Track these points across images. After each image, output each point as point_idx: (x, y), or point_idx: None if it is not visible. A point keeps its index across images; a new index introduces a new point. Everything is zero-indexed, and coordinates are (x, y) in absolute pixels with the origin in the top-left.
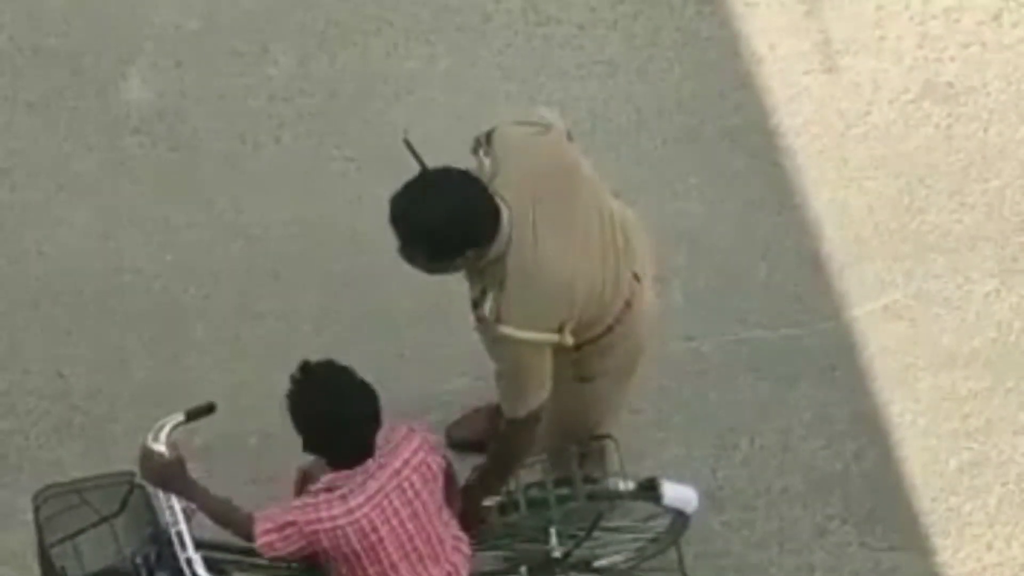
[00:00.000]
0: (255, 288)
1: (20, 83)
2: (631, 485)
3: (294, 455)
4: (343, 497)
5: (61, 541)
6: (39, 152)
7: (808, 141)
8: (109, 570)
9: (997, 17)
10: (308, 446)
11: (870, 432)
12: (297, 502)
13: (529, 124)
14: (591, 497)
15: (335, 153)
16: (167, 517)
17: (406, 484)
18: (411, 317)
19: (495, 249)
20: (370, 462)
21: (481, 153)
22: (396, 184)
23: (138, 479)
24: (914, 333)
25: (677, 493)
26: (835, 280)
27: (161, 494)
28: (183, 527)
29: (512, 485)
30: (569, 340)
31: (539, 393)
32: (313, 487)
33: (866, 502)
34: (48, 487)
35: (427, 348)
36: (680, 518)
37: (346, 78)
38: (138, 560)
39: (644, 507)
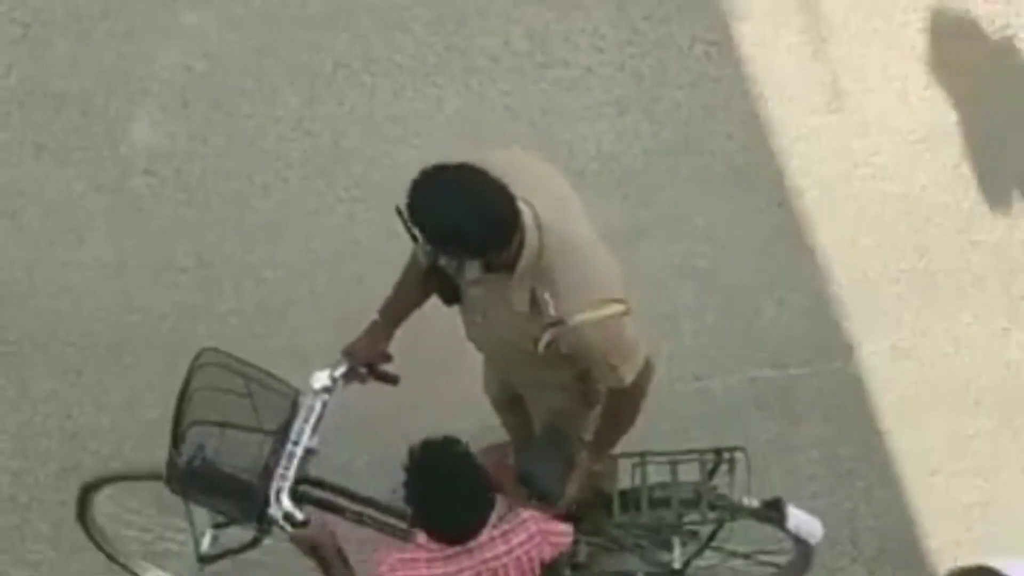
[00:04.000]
0: (263, 328)
1: (29, 125)
2: (755, 502)
3: None
4: (429, 562)
5: (215, 423)
6: (48, 193)
7: (816, 181)
8: (234, 476)
9: (1004, 58)
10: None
11: (879, 471)
12: (392, 557)
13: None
14: (713, 506)
15: (343, 194)
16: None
17: (501, 573)
18: (419, 358)
19: (529, 246)
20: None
21: None
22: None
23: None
24: (922, 372)
25: (802, 520)
26: (843, 319)
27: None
28: (287, 481)
29: (637, 482)
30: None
31: (638, 353)
32: (415, 541)
33: (875, 541)
34: (225, 354)
35: (435, 390)
36: (804, 553)
37: (353, 119)
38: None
39: (768, 536)
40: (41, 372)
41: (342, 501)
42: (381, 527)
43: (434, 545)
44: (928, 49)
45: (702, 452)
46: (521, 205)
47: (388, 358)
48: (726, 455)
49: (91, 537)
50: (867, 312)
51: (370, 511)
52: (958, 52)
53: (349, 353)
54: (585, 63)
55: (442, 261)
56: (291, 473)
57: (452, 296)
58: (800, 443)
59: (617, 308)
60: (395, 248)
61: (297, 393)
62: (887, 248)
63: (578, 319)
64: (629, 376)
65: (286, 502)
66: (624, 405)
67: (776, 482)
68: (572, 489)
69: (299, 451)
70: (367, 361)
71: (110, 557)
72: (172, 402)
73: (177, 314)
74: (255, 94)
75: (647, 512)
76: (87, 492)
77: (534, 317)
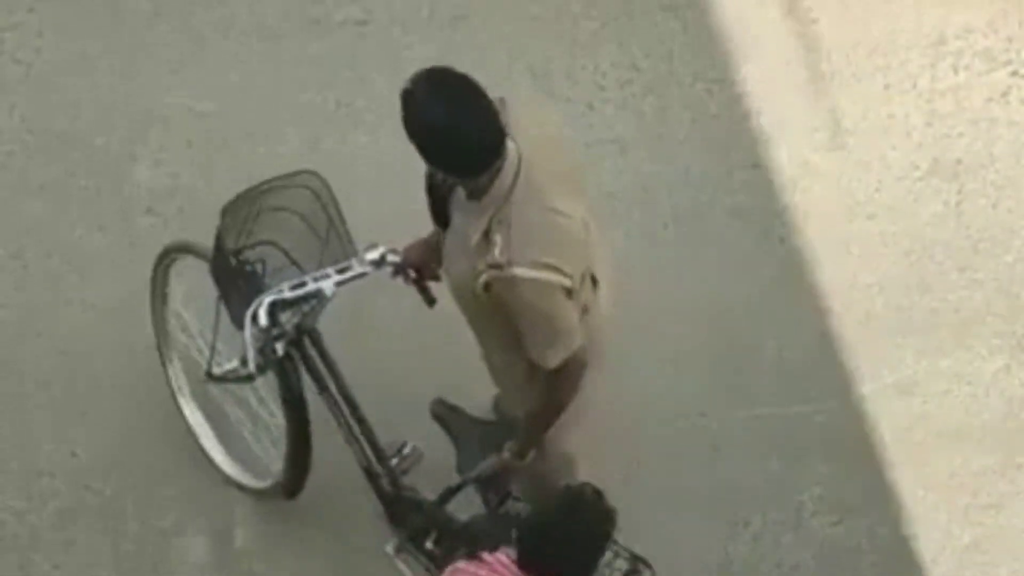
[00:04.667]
0: None
1: (32, 165)
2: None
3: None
4: None
5: (287, 255)
6: (51, 233)
7: (817, 218)
8: (254, 287)
9: (1005, 94)
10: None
11: (881, 508)
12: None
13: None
14: None
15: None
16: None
17: None
18: (426, 394)
19: (501, 180)
20: None
21: None
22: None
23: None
24: (924, 409)
25: None
26: (845, 357)
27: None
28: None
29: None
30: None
31: (570, 337)
32: (485, 559)
33: None
34: (327, 187)
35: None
36: None
37: (357, 157)
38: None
39: None
40: (45, 411)
41: (330, 381)
42: (345, 433)
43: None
44: (929, 86)
45: (623, 548)
46: (510, 143)
47: (438, 277)
48: (641, 566)
49: (153, 305)
50: (869, 349)
51: (349, 413)
52: (959, 89)
53: (408, 249)
54: (586, 100)
55: (439, 178)
56: (287, 291)
57: (445, 220)
58: (802, 481)
59: (559, 278)
60: (400, 281)
61: (358, 256)
62: (888, 286)
63: (516, 271)
64: (554, 357)
65: (262, 309)
66: (548, 392)
67: (778, 518)
68: (483, 468)
69: (311, 283)
70: (416, 265)
71: (157, 336)
72: (175, 440)
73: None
74: (257, 133)
75: None
76: (168, 254)
77: (480, 254)
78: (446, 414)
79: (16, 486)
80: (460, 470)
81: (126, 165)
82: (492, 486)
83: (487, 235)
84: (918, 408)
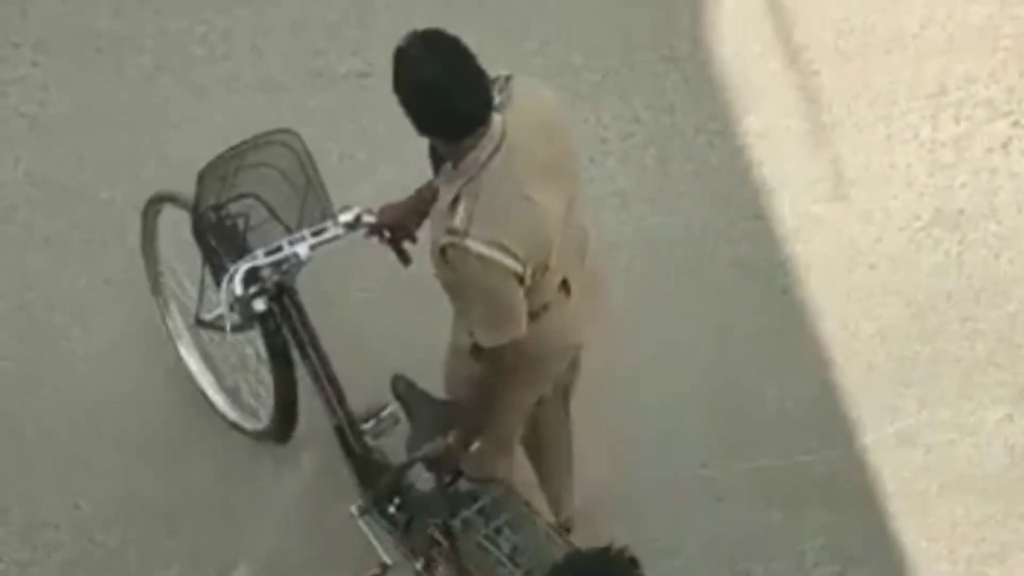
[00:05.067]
0: None
1: (36, 217)
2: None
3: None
4: None
5: (268, 208)
6: (55, 286)
7: (819, 269)
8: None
9: (1006, 145)
10: None
11: (883, 558)
12: None
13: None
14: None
15: (354, 286)
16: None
17: None
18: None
19: (479, 150)
20: None
21: (496, 88)
22: (417, 317)
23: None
24: (926, 459)
25: None
26: (846, 407)
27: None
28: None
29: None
30: (527, 279)
31: (513, 324)
32: None
33: None
34: (304, 147)
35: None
36: None
37: None
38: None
39: None
40: (47, 463)
41: (307, 343)
42: (320, 392)
43: None
44: (930, 136)
45: None
46: (497, 116)
47: (413, 239)
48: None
49: (144, 252)
50: (871, 399)
51: (322, 372)
52: (960, 139)
53: (382, 210)
54: (588, 152)
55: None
56: (262, 258)
57: None
58: (805, 531)
59: (511, 263)
60: (409, 335)
61: (333, 218)
62: (890, 336)
63: (469, 243)
64: (493, 338)
65: (237, 277)
66: (483, 375)
67: (780, 568)
68: (428, 450)
69: (286, 248)
70: (392, 225)
71: (152, 284)
72: (178, 490)
73: (184, 405)
74: None
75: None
76: (152, 204)
77: (445, 219)
78: (405, 391)
79: (19, 538)
80: (408, 448)
81: (130, 218)
82: (440, 467)
83: (455, 201)
84: (920, 458)
